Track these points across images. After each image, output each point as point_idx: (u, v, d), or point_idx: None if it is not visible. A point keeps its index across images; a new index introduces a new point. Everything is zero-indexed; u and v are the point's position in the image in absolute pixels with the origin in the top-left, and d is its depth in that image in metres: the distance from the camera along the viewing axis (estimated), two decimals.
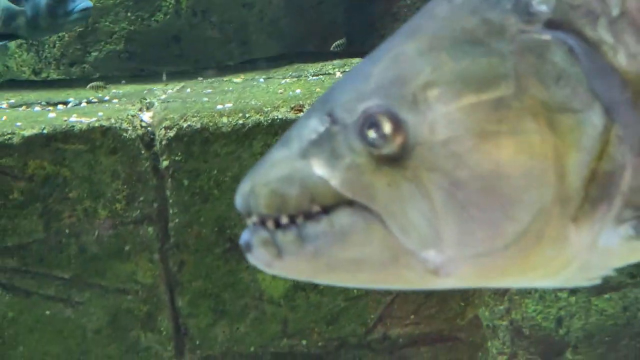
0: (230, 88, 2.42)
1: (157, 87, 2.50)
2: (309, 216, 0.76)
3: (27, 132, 2.02)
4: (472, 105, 0.74)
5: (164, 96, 2.36)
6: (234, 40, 2.98)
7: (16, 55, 2.97)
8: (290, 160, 0.78)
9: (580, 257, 0.78)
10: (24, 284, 2.03)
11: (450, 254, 0.75)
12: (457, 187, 0.74)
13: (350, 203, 0.76)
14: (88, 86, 2.47)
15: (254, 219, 0.78)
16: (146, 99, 2.30)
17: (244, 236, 0.79)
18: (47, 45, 2.92)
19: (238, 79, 2.57)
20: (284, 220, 0.76)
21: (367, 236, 0.76)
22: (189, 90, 2.43)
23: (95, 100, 2.38)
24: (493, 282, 0.84)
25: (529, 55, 0.76)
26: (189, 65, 2.92)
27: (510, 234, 0.74)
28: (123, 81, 2.64)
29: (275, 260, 0.77)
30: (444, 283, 0.80)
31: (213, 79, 2.55)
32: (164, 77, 2.64)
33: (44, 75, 2.93)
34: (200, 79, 2.60)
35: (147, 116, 2.14)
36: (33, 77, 2.94)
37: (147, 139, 2.08)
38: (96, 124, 2.05)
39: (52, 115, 2.17)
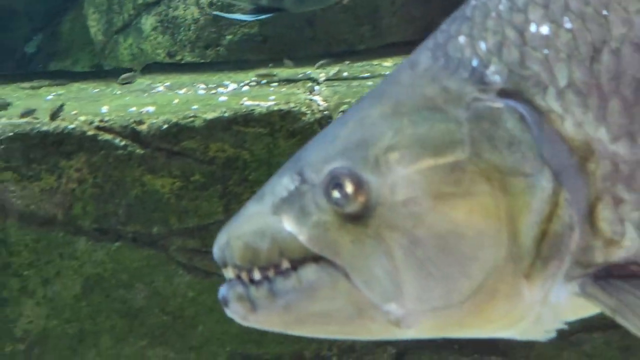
0: (386, 72, 2.41)
1: (310, 71, 2.51)
2: (279, 271, 0.82)
3: (209, 116, 2.04)
4: (429, 168, 0.80)
5: (323, 79, 2.36)
6: (365, 23, 2.96)
7: (151, 38, 3.00)
8: (262, 215, 0.84)
9: (533, 311, 0.81)
10: (204, 264, 2.07)
11: (411, 307, 0.80)
12: (416, 245, 0.79)
13: (317, 259, 0.81)
14: (256, 74, 2.47)
15: (230, 272, 0.84)
16: (309, 83, 2.31)
17: (222, 291, 0.85)
18: (182, 28, 2.95)
19: (387, 62, 2.56)
20: (257, 275, 0.82)
21: (333, 291, 0.81)
22: (346, 73, 2.43)
23: (255, 83, 2.40)
24: (452, 333, 0.89)
25: (483, 122, 0.80)
26: (320, 49, 2.91)
27: (465, 290, 0.79)
28: (270, 64, 2.65)
29: (250, 315, 0.83)
30: (406, 334, 0.84)
31: (363, 63, 2.55)
32: (314, 63, 2.63)
33: (178, 57, 2.96)
34: (347, 62, 2.60)
35: (319, 99, 2.14)
36: (167, 60, 2.97)
37: (325, 123, 2.08)
38: (275, 108, 2.06)
39: (223, 98, 2.20)
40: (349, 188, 0.80)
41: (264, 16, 2.51)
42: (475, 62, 0.84)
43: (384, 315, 0.81)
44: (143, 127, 2.02)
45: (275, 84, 2.38)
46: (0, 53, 3.62)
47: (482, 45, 0.86)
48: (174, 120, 2.02)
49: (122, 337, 2.02)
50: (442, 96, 0.83)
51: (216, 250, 0.87)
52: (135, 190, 2.02)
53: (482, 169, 0.79)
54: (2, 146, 2.02)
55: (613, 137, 0.80)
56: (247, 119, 2.05)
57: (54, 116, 2.10)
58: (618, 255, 0.79)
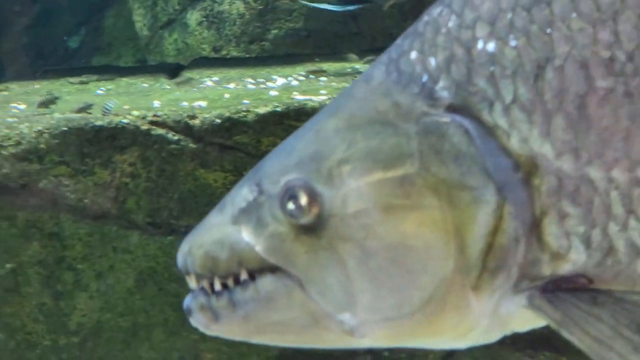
0: None
1: (359, 65, 2.49)
2: (238, 281, 0.84)
3: (261, 110, 2.04)
4: (379, 181, 0.82)
5: None
6: (410, 18, 2.93)
7: (196, 33, 3.02)
8: (222, 225, 0.87)
9: (482, 323, 0.83)
10: None
11: (363, 317, 0.82)
12: (368, 256, 0.81)
13: (274, 269, 0.84)
14: (305, 69, 2.46)
15: (192, 280, 0.87)
16: (357, 77, 2.28)
17: (186, 301, 0.88)
18: (227, 23, 2.96)
19: None
20: (217, 284, 0.85)
21: (289, 301, 0.84)
22: None
23: (303, 77, 2.39)
24: (405, 343, 0.89)
25: (432, 136, 0.83)
26: (365, 44, 2.89)
27: (416, 301, 0.81)
28: (317, 59, 2.64)
29: (212, 324, 0.86)
30: (361, 343, 0.86)
31: None
32: (353, 56, 2.62)
33: (223, 52, 2.97)
34: None
35: None
36: (212, 54, 2.98)
37: None
38: (327, 102, 2.05)
39: (273, 93, 2.19)
40: (303, 200, 0.82)
41: (352, 7, 2.52)
42: (425, 78, 0.86)
43: (339, 324, 0.83)
44: (196, 122, 2.03)
45: (325, 78, 2.37)
46: (44, 48, 3.67)
47: (432, 61, 0.87)
48: (227, 114, 2.02)
49: (174, 330, 2.02)
50: (394, 110, 0.85)
51: (179, 258, 0.89)
52: (188, 184, 2.03)
53: (430, 183, 0.81)
54: (57, 141, 2.04)
55: (557, 153, 0.81)
56: (299, 113, 2.03)
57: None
58: (565, 268, 0.80)
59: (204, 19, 3.00)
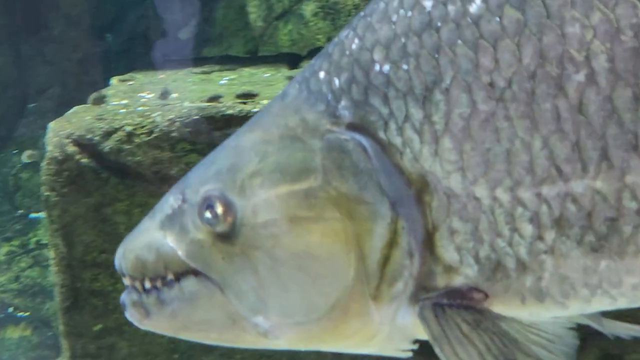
0: None
1: None
2: (165, 282, 0.95)
3: None
4: (286, 193, 0.91)
5: None
6: None
7: (311, 24, 3.05)
8: (151, 230, 0.98)
9: (383, 330, 0.92)
10: None
11: (275, 321, 0.91)
12: (276, 264, 0.90)
13: (197, 272, 0.93)
14: None
15: (126, 280, 0.99)
16: None
17: (122, 297, 1.00)
18: (342, 14, 2.98)
19: None
20: (147, 284, 0.96)
21: (210, 302, 0.94)
22: None
23: None
24: (316, 346, 0.99)
25: (334, 153, 0.92)
26: None
27: (322, 307, 0.89)
28: None
29: (144, 320, 0.97)
30: (276, 345, 0.96)
31: None
32: None
33: None
34: None
35: None
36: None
37: None
38: None
39: None
40: (219, 209, 0.92)
41: None
42: (329, 97, 0.94)
43: (254, 327, 0.92)
44: None
45: None
46: (156, 39, 3.82)
47: (336, 82, 0.96)
48: None
49: None
50: (302, 127, 0.94)
51: (116, 261, 1.00)
52: None
53: (332, 196, 0.89)
54: (188, 129, 2.08)
55: (446, 172, 0.87)
56: None
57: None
58: (458, 281, 0.87)
59: (319, 9, 3.04)
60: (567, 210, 0.85)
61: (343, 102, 0.94)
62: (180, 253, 0.95)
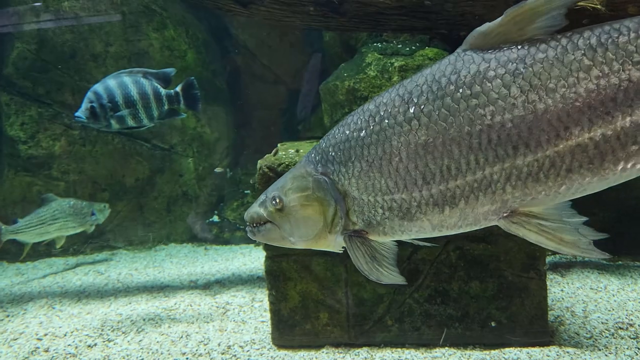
0: None
1: None
2: (260, 224, 2.14)
3: None
4: (299, 196, 2.02)
5: None
6: None
7: None
8: (255, 206, 2.16)
9: (332, 242, 2.05)
10: None
11: (296, 240, 2.09)
12: (296, 220, 2.04)
13: (270, 222, 2.10)
14: None
15: (247, 224, 2.18)
16: None
17: (247, 229, 2.20)
18: None
19: None
20: (254, 225, 2.16)
21: (275, 232, 2.11)
22: None
23: None
24: (311, 247, 2.11)
25: (316, 183, 2.01)
26: None
27: (311, 235, 2.04)
28: None
29: (253, 235, 2.17)
30: (298, 247, 2.15)
31: None
32: None
33: None
34: None
35: None
36: None
37: None
38: None
39: None
40: (277, 200, 2.06)
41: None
42: (315, 162, 2.02)
43: (289, 241, 2.10)
44: None
45: None
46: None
47: (317, 157, 2.02)
48: None
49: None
50: (305, 173, 2.04)
51: (245, 218, 2.17)
52: None
53: (316, 197, 1.99)
54: None
55: (353, 190, 1.92)
56: None
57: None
58: (357, 227, 1.98)
59: None
60: (395, 204, 1.84)
61: (319, 165, 1.98)
62: (265, 214, 2.10)
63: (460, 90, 1.70)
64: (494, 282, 3.27)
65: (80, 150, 6.75)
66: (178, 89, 4.28)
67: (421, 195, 1.80)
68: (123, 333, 3.91)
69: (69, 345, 3.71)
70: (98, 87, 4.10)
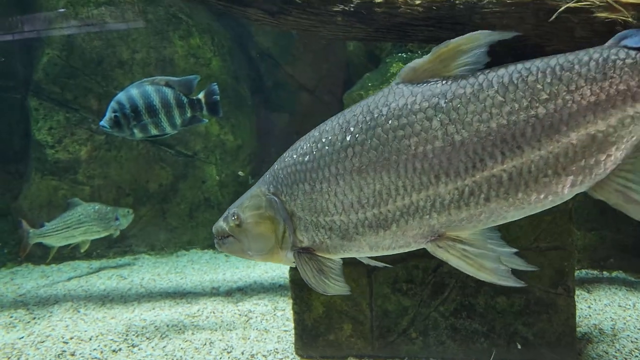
0: None
1: None
2: (224, 237, 2.24)
3: None
4: (253, 214, 2.14)
5: None
6: None
7: None
8: (220, 221, 2.26)
9: (283, 258, 2.13)
10: None
11: (254, 253, 2.21)
12: (251, 235, 2.16)
13: (230, 235, 2.21)
14: None
15: (215, 236, 2.29)
16: None
17: (214, 241, 2.32)
18: None
19: None
20: (219, 238, 2.26)
21: (235, 245, 2.22)
22: None
23: None
24: (266, 261, 2.23)
25: (268, 202, 2.12)
26: None
27: (265, 250, 2.15)
28: None
29: (219, 248, 2.29)
30: (256, 260, 2.27)
31: None
32: None
33: None
34: None
35: None
36: None
37: None
38: None
39: None
40: (235, 216, 2.18)
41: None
42: (267, 183, 2.15)
43: (248, 253, 2.20)
44: None
45: None
46: None
47: (270, 179, 2.14)
48: None
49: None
50: (259, 193, 2.16)
51: (212, 230, 2.29)
52: None
53: (268, 216, 2.11)
54: None
55: (298, 210, 2.04)
56: None
57: None
58: (304, 245, 2.07)
59: None
60: (335, 225, 1.97)
61: (271, 186, 2.12)
62: (227, 229, 2.23)
63: (390, 122, 1.83)
64: (521, 297, 3.23)
65: (105, 155, 6.85)
66: (200, 95, 4.34)
67: (357, 218, 1.91)
68: (147, 339, 3.94)
69: (94, 349, 3.76)
70: (121, 96, 4.19)
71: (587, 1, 4.04)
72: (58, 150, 6.74)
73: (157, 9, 7.02)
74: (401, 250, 1.95)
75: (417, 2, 4.31)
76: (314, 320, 3.45)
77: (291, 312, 3.49)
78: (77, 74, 6.74)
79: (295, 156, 2.06)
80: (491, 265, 1.76)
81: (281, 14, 4.46)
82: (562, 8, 4.09)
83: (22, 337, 4.07)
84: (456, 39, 1.79)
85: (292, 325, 3.49)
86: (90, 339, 3.95)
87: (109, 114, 4.17)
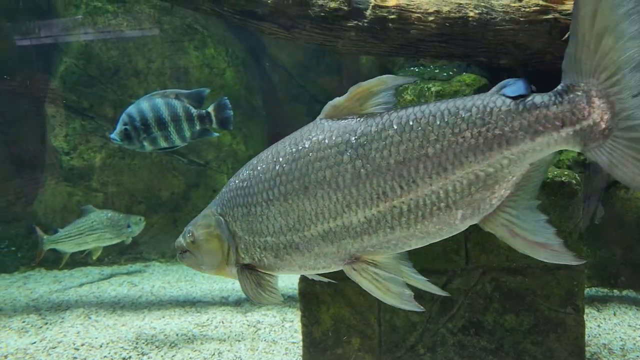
0: None
1: None
2: (183, 252, 2.43)
3: None
4: (204, 232, 2.33)
5: None
6: None
7: None
8: (179, 238, 2.46)
9: (230, 273, 2.30)
10: None
11: (205, 267, 2.37)
12: (202, 252, 2.36)
13: (188, 250, 2.40)
14: None
15: (177, 251, 2.48)
16: None
17: (177, 254, 2.50)
18: None
19: None
20: (180, 252, 2.45)
21: (191, 259, 2.40)
22: None
23: None
24: (217, 275, 2.40)
25: (216, 221, 2.28)
26: None
27: (214, 265, 2.33)
28: None
29: (180, 260, 2.49)
30: (209, 274, 2.46)
31: None
32: None
33: None
34: None
35: None
36: None
37: None
38: None
39: None
40: (190, 234, 2.37)
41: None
42: (217, 204, 2.31)
43: (202, 268, 2.38)
44: None
45: None
46: None
47: (219, 201, 2.30)
48: None
49: None
50: (210, 214, 2.32)
51: (174, 245, 2.49)
52: None
53: (216, 234, 2.28)
54: None
55: (239, 231, 2.22)
56: None
57: None
58: (246, 261, 2.26)
59: None
60: (268, 245, 2.14)
61: (219, 207, 2.29)
62: (184, 244, 2.40)
63: (310, 154, 2.03)
64: (529, 315, 3.24)
65: (119, 163, 6.93)
66: (210, 109, 4.39)
67: (286, 240, 2.10)
68: (157, 347, 3.98)
69: (104, 356, 3.80)
70: (132, 109, 4.26)
71: None
72: (73, 157, 6.84)
73: (173, 19, 7.13)
74: (325, 271, 2.14)
75: (431, 19, 4.36)
76: (322, 333, 3.48)
77: (299, 323, 3.51)
78: (94, 83, 6.85)
79: (237, 181, 2.24)
80: (397, 290, 1.97)
81: (295, 28, 4.53)
82: None
83: (34, 343, 4.13)
84: (367, 81, 1.99)
85: (300, 337, 3.52)
86: (101, 346, 4.00)
87: (119, 127, 4.25)
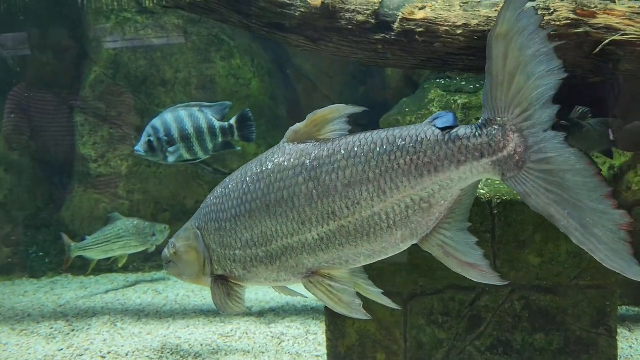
0: None
1: None
2: (168, 262, 2.56)
3: None
4: (184, 244, 2.48)
5: None
6: None
7: None
8: (165, 250, 2.58)
9: (207, 283, 2.42)
10: None
11: (186, 277, 2.53)
12: (183, 262, 2.51)
13: (172, 260, 2.53)
14: None
15: (163, 261, 2.61)
16: None
17: (163, 264, 2.63)
18: None
19: None
20: (166, 262, 2.58)
21: (175, 268, 2.53)
22: None
23: None
24: (195, 284, 2.55)
25: (196, 235, 2.43)
26: None
27: (193, 275, 2.47)
28: None
29: (166, 270, 2.60)
30: (189, 282, 2.59)
31: None
32: None
33: None
34: None
35: None
36: None
37: None
38: None
39: None
40: (172, 245, 2.53)
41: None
42: (196, 220, 2.45)
43: (183, 276, 2.54)
44: None
45: None
46: None
47: (199, 216, 2.45)
48: None
49: None
50: (190, 228, 2.47)
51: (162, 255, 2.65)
52: None
53: (194, 247, 2.43)
54: None
55: (213, 244, 2.37)
56: None
57: None
58: (219, 272, 2.40)
59: None
60: (237, 257, 2.30)
61: (197, 222, 2.44)
62: (168, 255, 2.55)
63: (272, 175, 2.19)
64: (560, 335, 3.17)
65: (145, 171, 7.03)
66: (232, 121, 4.42)
67: (252, 253, 2.26)
68: (182, 357, 4.00)
69: None
70: (156, 121, 4.32)
71: (634, 35, 3.99)
72: (101, 165, 6.95)
73: (201, 29, 7.21)
74: (287, 284, 2.32)
75: (459, 32, 4.33)
76: (347, 347, 3.46)
77: (323, 336, 3.50)
78: (123, 92, 6.96)
79: (212, 198, 2.40)
80: (347, 299, 2.12)
81: (322, 40, 4.54)
82: (607, 40, 4.05)
83: (62, 350, 4.19)
84: (323, 109, 2.15)
85: (324, 350, 3.50)
86: (127, 355, 4.04)
87: (143, 138, 4.32)
